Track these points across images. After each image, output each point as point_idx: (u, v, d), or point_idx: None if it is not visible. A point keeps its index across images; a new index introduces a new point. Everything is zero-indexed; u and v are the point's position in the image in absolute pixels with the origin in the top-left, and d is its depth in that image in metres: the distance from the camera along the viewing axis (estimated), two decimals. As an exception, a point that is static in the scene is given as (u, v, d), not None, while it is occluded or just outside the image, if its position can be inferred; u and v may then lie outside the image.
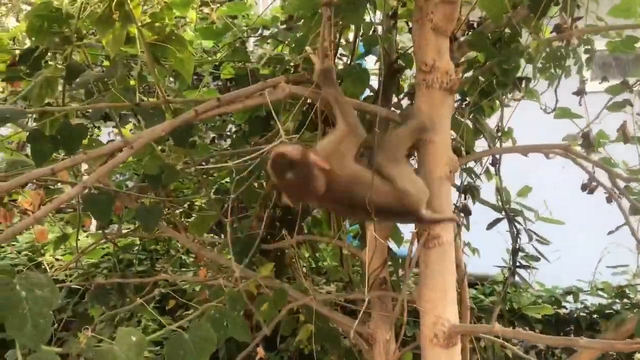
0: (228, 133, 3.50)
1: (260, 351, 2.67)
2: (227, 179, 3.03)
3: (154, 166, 2.20)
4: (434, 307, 1.96)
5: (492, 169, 2.71)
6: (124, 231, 3.06)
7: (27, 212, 2.46)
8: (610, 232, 2.62)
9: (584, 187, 2.30)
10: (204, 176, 2.88)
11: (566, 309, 4.03)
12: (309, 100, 2.51)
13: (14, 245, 4.55)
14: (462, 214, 2.57)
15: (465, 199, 2.62)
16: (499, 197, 2.73)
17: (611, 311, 3.87)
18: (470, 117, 2.49)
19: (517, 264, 2.81)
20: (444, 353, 1.96)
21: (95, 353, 1.49)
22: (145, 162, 2.22)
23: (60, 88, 2.18)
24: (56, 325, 3.45)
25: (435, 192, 1.98)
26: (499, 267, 3.22)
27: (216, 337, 1.84)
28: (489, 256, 3.13)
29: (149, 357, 3.12)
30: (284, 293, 2.29)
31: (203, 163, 2.78)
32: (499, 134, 2.65)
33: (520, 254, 2.81)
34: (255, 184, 2.83)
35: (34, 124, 2.14)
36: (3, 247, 4.53)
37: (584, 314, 3.96)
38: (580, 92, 2.34)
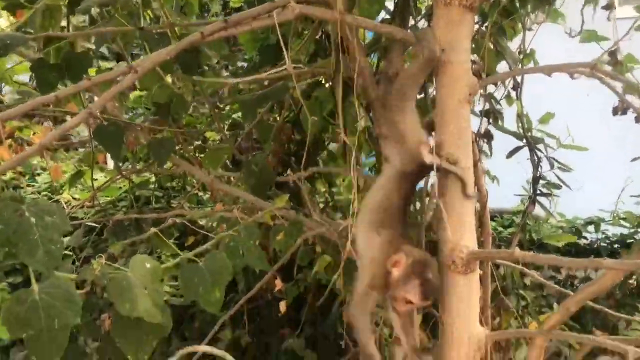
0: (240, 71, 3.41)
1: (278, 282, 2.69)
2: (240, 113, 2.97)
3: (162, 95, 2.14)
4: (451, 234, 1.92)
5: (513, 94, 2.60)
6: (139, 167, 3.05)
7: (39, 147, 2.44)
8: (634, 159, 2.54)
9: (614, 111, 2.19)
10: (216, 110, 2.83)
11: (586, 239, 3.98)
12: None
13: (33, 185, 4.60)
14: (484, 139, 2.49)
15: (488, 123, 2.54)
16: (519, 124, 2.64)
17: (632, 240, 3.83)
18: (491, 39, 2.37)
19: (538, 192, 2.74)
20: (462, 279, 1.93)
21: (109, 280, 1.49)
22: (154, 90, 2.17)
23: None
24: (77, 263, 3.51)
25: (453, 116, 1.90)
26: (519, 195, 3.16)
27: (232, 267, 1.84)
28: (507, 189, 3.07)
29: (169, 292, 3.16)
30: (300, 223, 2.27)
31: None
32: (521, 56, 2.53)
33: (541, 182, 2.73)
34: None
35: (39, 54, 2.08)
36: (22, 187, 4.59)
37: (605, 244, 3.92)
38: (609, 6, 2.20)
